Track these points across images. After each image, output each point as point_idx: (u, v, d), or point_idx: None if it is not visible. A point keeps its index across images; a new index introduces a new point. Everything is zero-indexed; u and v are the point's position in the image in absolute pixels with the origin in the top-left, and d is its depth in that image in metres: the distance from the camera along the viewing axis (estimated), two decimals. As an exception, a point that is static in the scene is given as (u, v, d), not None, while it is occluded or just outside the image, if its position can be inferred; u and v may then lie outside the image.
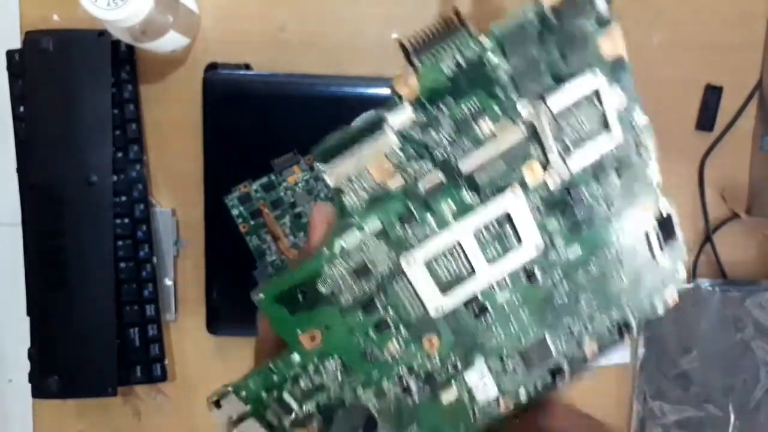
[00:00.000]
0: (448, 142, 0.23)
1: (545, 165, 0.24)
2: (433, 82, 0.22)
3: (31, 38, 0.51)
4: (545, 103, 0.23)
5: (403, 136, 0.23)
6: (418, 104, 0.22)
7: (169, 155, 0.54)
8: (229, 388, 0.24)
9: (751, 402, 0.54)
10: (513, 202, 0.24)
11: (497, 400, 0.28)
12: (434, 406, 0.27)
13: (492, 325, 0.27)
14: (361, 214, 0.23)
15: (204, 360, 0.56)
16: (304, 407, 0.25)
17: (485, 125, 0.23)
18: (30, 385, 0.52)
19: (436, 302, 0.25)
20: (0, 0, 0.54)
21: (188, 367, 0.56)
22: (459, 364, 0.27)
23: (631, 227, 0.27)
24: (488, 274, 0.25)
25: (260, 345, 0.27)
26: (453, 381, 0.27)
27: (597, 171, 0.25)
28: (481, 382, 0.27)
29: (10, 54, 0.53)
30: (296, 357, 0.24)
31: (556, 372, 0.28)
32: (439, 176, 0.23)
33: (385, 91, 0.49)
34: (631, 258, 0.27)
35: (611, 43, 0.24)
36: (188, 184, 0.53)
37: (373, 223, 0.23)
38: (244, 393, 0.25)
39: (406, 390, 0.26)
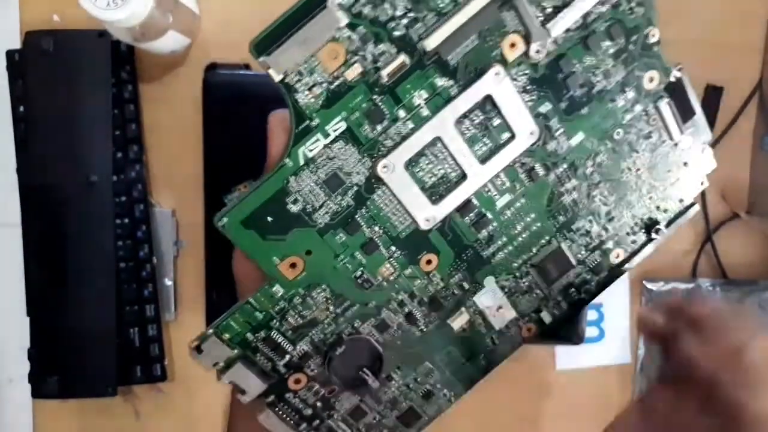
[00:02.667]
0: (406, 16, 0.19)
1: (526, 35, 0.20)
2: None
3: (31, 38, 0.51)
4: None
5: (352, 13, 0.19)
6: None
7: (169, 155, 0.54)
8: (210, 330, 0.22)
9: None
10: (496, 85, 0.20)
11: (517, 323, 0.25)
12: (445, 335, 0.24)
13: (496, 236, 0.23)
14: (321, 114, 0.20)
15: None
16: (297, 346, 0.22)
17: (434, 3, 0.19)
18: (30, 385, 0.52)
19: (425, 212, 0.22)
20: (0, 0, 0.53)
21: (188, 367, 0.56)
22: (466, 285, 0.24)
23: (637, 101, 0.23)
24: (480, 174, 0.22)
25: (239, 286, 0.24)
26: (462, 305, 0.24)
27: (585, 35, 0.21)
28: (495, 305, 0.24)
29: (10, 54, 0.53)
30: (279, 289, 0.22)
31: (580, 286, 0.25)
32: (402, 59, 0.20)
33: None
34: (644, 140, 0.23)
35: None
36: (188, 184, 0.53)
37: (337, 124, 0.20)
38: (227, 335, 0.22)
39: (410, 318, 0.23)
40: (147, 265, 0.53)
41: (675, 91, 0.23)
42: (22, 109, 0.52)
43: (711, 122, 0.55)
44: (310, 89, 0.20)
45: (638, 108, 0.23)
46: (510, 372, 0.54)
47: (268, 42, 0.19)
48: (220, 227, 0.21)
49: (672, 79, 0.23)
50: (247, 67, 0.52)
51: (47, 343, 0.52)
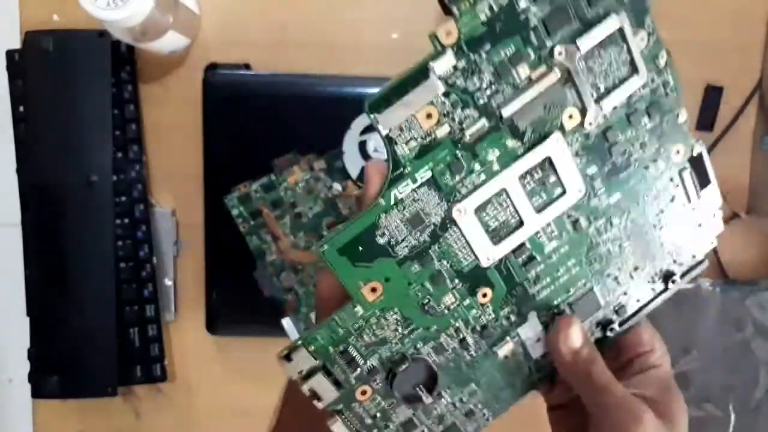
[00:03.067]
0: (490, 88, 0.24)
1: (582, 110, 0.25)
2: (471, 27, 0.23)
3: (31, 38, 0.51)
4: (577, 47, 0.24)
5: (447, 83, 0.23)
6: (458, 51, 0.23)
7: (169, 155, 0.54)
8: (299, 342, 0.25)
9: (751, 402, 0.54)
10: (555, 148, 0.25)
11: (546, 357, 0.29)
12: (491, 360, 0.28)
13: (541, 276, 0.27)
14: (413, 163, 0.24)
15: (204, 360, 0.56)
16: (367, 361, 0.26)
17: (522, 70, 0.24)
18: (30, 384, 0.52)
19: (487, 251, 0.26)
20: (0, 0, 0.53)
21: (188, 367, 0.56)
22: (513, 318, 0.27)
23: (665, 170, 0.27)
24: (535, 221, 0.26)
25: (321, 304, 0.27)
26: (507, 335, 0.28)
27: (629, 112, 0.26)
28: (535, 337, 0.28)
29: (10, 54, 0.53)
30: (359, 309, 0.25)
31: (605, 325, 0.29)
32: (483, 123, 0.24)
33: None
34: (668, 203, 0.28)
35: None
36: (188, 184, 0.53)
37: (424, 173, 0.24)
38: (312, 347, 0.25)
39: (463, 344, 0.27)
40: (147, 265, 0.53)
41: (696, 162, 0.28)
42: (21, 109, 0.52)
43: (711, 122, 0.55)
44: (407, 143, 0.24)
45: (666, 175, 0.28)
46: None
47: (381, 103, 0.23)
48: (320, 253, 0.25)
49: (695, 153, 0.28)
50: (246, 67, 0.52)
51: (47, 343, 0.52)
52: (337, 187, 0.49)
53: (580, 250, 0.27)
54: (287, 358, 0.25)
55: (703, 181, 0.28)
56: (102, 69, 0.51)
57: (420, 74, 0.23)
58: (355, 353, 0.26)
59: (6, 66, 0.53)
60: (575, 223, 0.27)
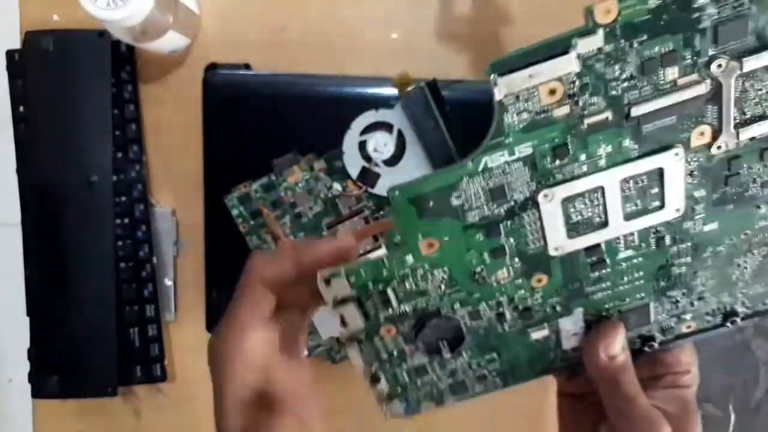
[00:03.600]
0: (628, 82, 0.22)
1: (716, 131, 0.23)
2: (634, 12, 0.21)
3: (31, 38, 0.51)
4: (741, 65, 0.21)
5: (585, 64, 0.21)
6: (610, 33, 0.21)
7: (169, 155, 0.54)
8: (342, 269, 0.25)
9: (751, 402, 0.54)
10: (672, 162, 0.23)
11: (579, 350, 0.28)
12: (521, 339, 0.28)
13: (604, 279, 0.26)
14: (516, 135, 0.22)
15: (204, 360, 0.55)
16: (402, 306, 0.26)
17: (671, 72, 0.22)
18: (30, 384, 0.52)
19: (559, 242, 0.24)
20: (0, 0, 0.53)
21: (188, 367, 0.56)
22: (558, 308, 0.27)
23: None
24: (620, 228, 0.24)
25: (250, 277, 0.27)
26: (546, 322, 0.27)
27: (765, 149, 0.24)
28: (573, 330, 0.27)
29: (10, 54, 0.53)
30: (410, 259, 0.25)
31: (645, 340, 0.28)
32: (607, 115, 0.22)
33: (385, 90, 0.49)
34: (763, 248, 0.26)
35: None
36: (188, 184, 0.53)
37: (525, 149, 0.23)
38: (353, 278, 0.25)
39: (501, 318, 0.27)
40: (147, 265, 0.53)
41: None
42: (22, 108, 0.52)
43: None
44: (518, 113, 0.22)
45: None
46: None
47: (504, 66, 0.21)
48: (390, 196, 0.23)
49: None
50: (247, 67, 0.52)
51: (47, 343, 0.52)
52: (337, 187, 0.49)
53: (653, 266, 0.26)
54: (327, 282, 0.25)
55: None
56: (102, 69, 0.51)
57: (559, 46, 0.21)
58: (392, 296, 0.25)
59: (6, 66, 0.53)
60: (660, 239, 0.25)
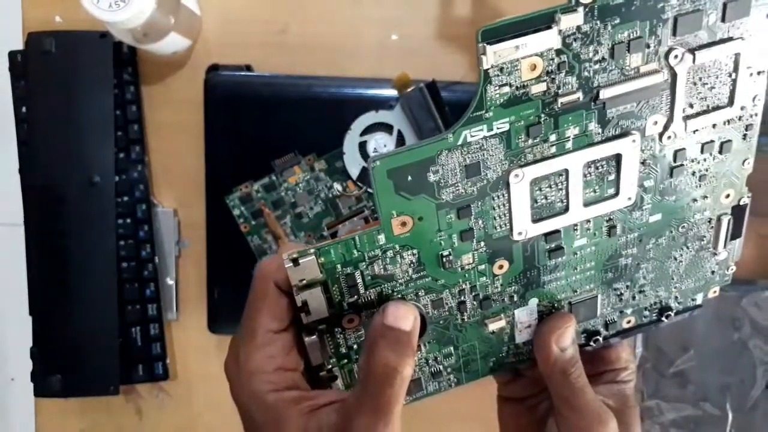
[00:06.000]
0: (599, 64, 0.23)
1: (668, 120, 0.24)
2: None
3: (34, 39, 0.52)
4: (694, 58, 0.23)
5: (565, 42, 0.22)
6: (589, 12, 0.22)
7: (170, 156, 0.55)
8: (312, 250, 0.24)
9: (748, 401, 0.54)
10: (629, 148, 0.24)
11: (530, 344, 0.28)
12: (478, 331, 0.28)
13: (559, 268, 0.27)
14: (496, 110, 0.23)
15: (205, 359, 0.56)
16: (368, 292, 0.25)
17: (636, 59, 0.23)
18: (32, 383, 0.53)
19: (523, 226, 0.25)
20: (2, 1, 0.54)
21: (190, 366, 0.56)
22: (515, 298, 0.27)
23: (708, 209, 0.27)
24: (578, 213, 0.25)
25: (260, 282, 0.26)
26: (503, 312, 0.27)
27: (705, 141, 0.25)
28: (527, 322, 0.28)
29: (12, 55, 0.53)
30: (382, 238, 0.24)
31: (591, 334, 0.29)
32: (578, 96, 0.23)
33: (385, 92, 0.49)
34: (696, 242, 0.27)
35: None
36: (190, 184, 0.53)
37: (502, 125, 0.23)
38: (323, 258, 0.24)
39: (461, 307, 0.27)
40: (149, 265, 0.53)
41: (737, 212, 0.28)
42: (24, 109, 0.53)
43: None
44: (500, 86, 0.22)
45: (707, 214, 0.27)
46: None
47: (495, 34, 0.22)
48: (371, 167, 0.23)
49: (741, 203, 0.27)
50: (248, 68, 0.52)
51: (49, 342, 0.52)
52: (337, 187, 0.49)
53: (603, 256, 0.27)
54: (295, 261, 0.24)
55: (735, 232, 0.28)
56: (104, 70, 0.52)
57: (545, 20, 0.22)
58: (359, 280, 0.25)
59: (9, 67, 0.53)
60: (611, 228, 0.26)
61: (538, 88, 0.23)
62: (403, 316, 0.24)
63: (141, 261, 0.53)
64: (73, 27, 0.52)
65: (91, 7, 0.42)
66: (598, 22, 0.22)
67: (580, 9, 0.22)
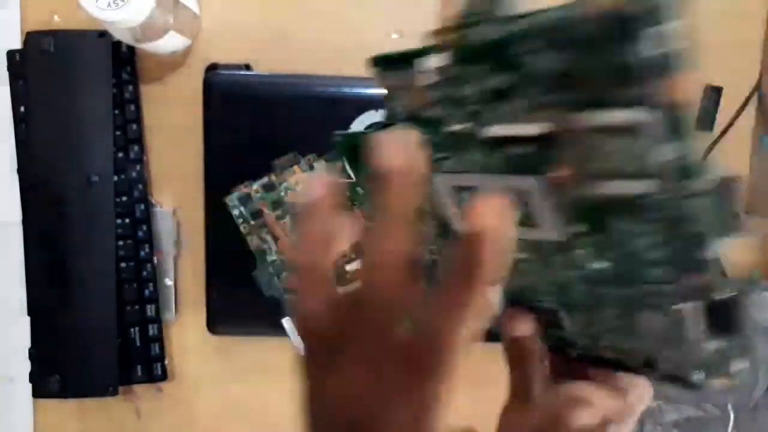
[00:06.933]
0: (475, 105, 0.23)
1: (573, 174, 0.21)
2: (467, 42, 0.22)
3: (32, 39, 0.52)
4: (579, 116, 0.20)
5: (440, 78, 0.23)
6: (454, 54, 0.22)
7: (169, 156, 0.54)
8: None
9: (750, 401, 0.54)
10: (534, 189, 0.22)
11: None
12: None
13: (509, 270, 0.25)
14: (403, 124, 0.25)
15: (204, 359, 0.56)
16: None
17: (513, 106, 0.21)
18: (31, 384, 0.53)
19: (458, 224, 0.25)
20: (1, 0, 0.54)
21: (188, 367, 0.56)
22: None
23: (670, 292, 0.22)
24: None
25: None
26: None
27: (635, 210, 0.21)
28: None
29: (10, 54, 0.53)
30: (359, 191, 0.27)
31: (568, 344, 0.28)
32: (468, 125, 0.23)
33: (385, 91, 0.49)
34: (664, 317, 0.23)
35: (674, 88, 0.18)
36: (189, 184, 0.53)
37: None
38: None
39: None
40: (147, 265, 0.53)
41: (717, 309, 0.23)
42: (22, 109, 0.52)
43: (710, 122, 0.55)
44: (401, 105, 0.25)
45: (664, 288, 0.22)
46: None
47: (378, 63, 0.25)
48: (335, 139, 0.27)
49: (717, 298, 0.22)
50: (247, 67, 0.52)
51: (48, 342, 0.52)
52: (337, 187, 0.49)
53: (546, 279, 0.26)
54: (293, 207, 0.28)
55: (724, 327, 0.23)
56: (103, 69, 0.51)
57: (417, 56, 0.23)
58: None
59: (7, 66, 0.53)
60: (549, 256, 0.24)
61: (430, 113, 0.24)
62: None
63: (140, 261, 0.53)
64: (71, 26, 0.52)
65: (90, 7, 0.42)
66: (462, 66, 0.22)
67: (446, 51, 0.22)
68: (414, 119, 0.24)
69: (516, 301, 0.28)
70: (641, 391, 0.26)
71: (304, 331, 0.23)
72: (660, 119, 0.19)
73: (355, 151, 0.26)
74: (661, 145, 0.19)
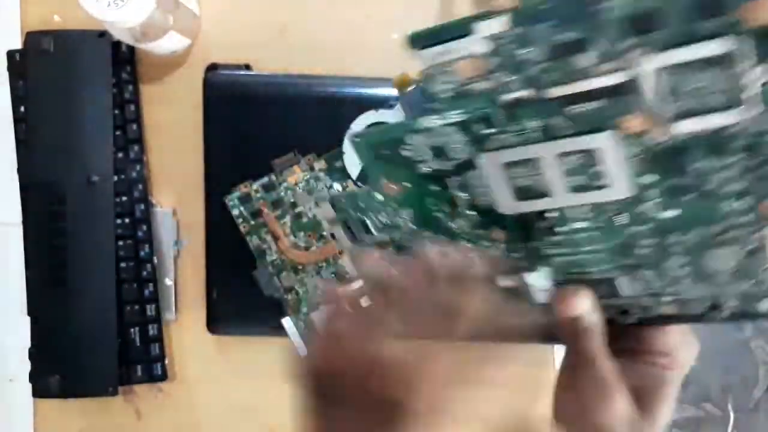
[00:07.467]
0: (541, 64, 0.22)
1: (648, 119, 0.22)
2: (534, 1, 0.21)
3: (32, 39, 0.52)
4: (659, 58, 0.20)
5: (496, 45, 0.22)
6: (515, 16, 0.21)
7: (169, 155, 0.54)
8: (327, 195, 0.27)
9: (750, 401, 0.54)
10: (607, 145, 0.22)
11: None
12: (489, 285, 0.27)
13: (560, 245, 0.26)
14: (445, 103, 0.23)
15: (204, 359, 0.56)
16: (379, 235, 0.27)
17: (586, 59, 0.21)
18: (31, 384, 0.53)
19: (508, 204, 0.25)
20: (1, 0, 0.54)
21: (188, 367, 0.56)
22: (521, 264, 0.26)
23: (748, 222, 0.23)
24: (565, 199, 0.24)
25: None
26: (513, 274, 0.26)
27: (716, 142, 0.22)
28: (539, 287, 0.27)
29: (10, 54, 0.53)
30: (378, 196, 0.26)
31: (624, 313, 0.27)
32: (528, 92, 0.22)
33: (385, 91, 0.49)
34: (741, 245, 0.24)
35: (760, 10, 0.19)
36: (189, 184, 0.53)
37: (456, 116, 0.23)
38: (333, 205, 0.27)
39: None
40: (147, 265, 0.53)
41: None
42: (22, 109, 0.52)
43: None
44: (444, 83, 0.23)
45: (743, 219, 0.23)
46: (509, 371, 0.54)
47: (421, 41, 0.23)
48: (353, 142, 0.25)
49: None
50: (247, 67, 0.52)
51: (48, 342, 0.52)
52: (337, 187, 0.49)
53: (611, 242, 0.25)
54: (317, 205, 0.27)
55: None
56: (103, 69, 0.51)
57: (468, 26, 0.22)
58: (370, 224, 0.27)
59: (7, 66, 0.53)
60: (615, 217, 0.25)
61: (480, 86, 0.23)
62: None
63: (139, 261, 0.53)
64: (71, 26, 0.52)
65: (90, 6, 0.42)
66: (528, 25, 0.21)
67: (504, 14, 0.21)
68: (463, 96, 0.23)
69: (564, 281, 0.27)
70: (690, 349, 0.27)
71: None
72: (749, 44, 0.19)
73: (375, 150, 0.25)
74: (754, 70, 0.19)
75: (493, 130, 0.23)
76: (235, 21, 0.53)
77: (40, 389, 0.52)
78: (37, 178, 0.52)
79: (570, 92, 0.22)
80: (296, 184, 0.49)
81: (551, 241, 0.26)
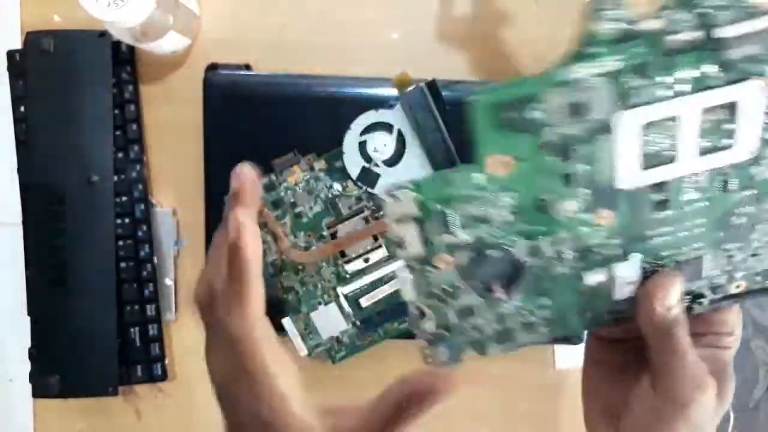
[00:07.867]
0: (720, 1, 0.20)
1: None
2: None
3: (32, 39, 0.51)
4: None
5: None
6: None
7: (169, 155, 0.54)
8: (408, 183, 0.23)
9: (750, 401, 0.54)
10: (752, 96, 0.21)
11: (629, 302, 0.26)
12: (574, 284, 0.26)
13: (666, 222, 0.24)
14: (605, 47, 0.21)
15: (204, 359, 0.56)
16: (462, 234, 0.24)
17: None
18: (30, 384, 0.53)
19: (630, 174, 0.23)
20: (1, 0, 0.54)
21: (189, 367, 0.56)
22: (618, 252, 0.25)
23: None
24: (691, 164, 0.23)
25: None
26: (603, 266, 0.25)
27: None
28: (628, 279, 0.25)
29: (10, 54, 0.53)
30: (479, 177, 0.23)
31: (695, 298, 0.26)
32: (696, 35, 0.21)
33: (385, 91, 0.49)
34: None
35: None
36: (189, 184, 0.53)
37: (612, 63, 0.21)
38: (414, 194, 0.23)
39: (559, 257, 0.25)
40: (148, 265, 0.53)
41: None
42: (22, 109, 0.52)
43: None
44: (610, 21, 0.21)
45: None
46: (509, 371, 0.54)
47: None
48: (472, 101, 0.22)
49: None
50: (247, 67, 0.52)
51: (48, 342, 0.52)
52: (337, 187, 0.49)
53: (715, 213, 0.24)
54: (391, 196, 0.23)
55: None
56: (103, 69, 0.51)
57: None
58: (452, 219, 0.23)
59: (7, 66, 0.53)
60: (726, 183, 0.23)
61: (651, 25, 0.20)
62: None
63: (139, 261, 0.53)
64: (71, 26, 0.52)
65: (90, 6, 0.42)
66: None
67: None
68: (628, 38, 0.21)
69: (650, 270, 0.25)
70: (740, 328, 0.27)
71: None
72: None
73: (499, 112, 0.22)
74: None
75: (644, 82, 0.21)
76: (235, 21, 0.53)
77: (40, 389, 0.52)
78: (37, 178, 0.52)
79: (743, 32, 0.20)
80: (296, 184, 0.49)
81: (657, 219, 0.24)
